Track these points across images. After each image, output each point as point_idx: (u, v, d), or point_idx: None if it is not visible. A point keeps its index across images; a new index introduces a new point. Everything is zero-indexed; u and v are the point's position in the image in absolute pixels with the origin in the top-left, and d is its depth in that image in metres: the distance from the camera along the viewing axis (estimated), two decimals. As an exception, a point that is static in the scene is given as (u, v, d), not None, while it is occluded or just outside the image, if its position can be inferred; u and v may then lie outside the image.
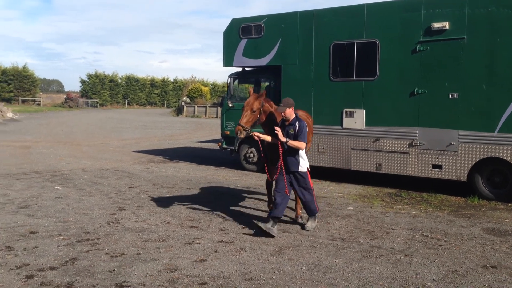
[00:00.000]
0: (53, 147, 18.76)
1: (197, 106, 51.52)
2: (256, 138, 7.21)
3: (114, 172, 12.89)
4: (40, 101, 63.68)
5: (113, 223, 7.61)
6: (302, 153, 7.16)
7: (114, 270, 5.50)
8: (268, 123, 7.49)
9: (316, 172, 12.57)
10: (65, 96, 69.83)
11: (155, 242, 6.59)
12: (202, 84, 69.69)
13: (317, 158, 11.88)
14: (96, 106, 67.92)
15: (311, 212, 7.38)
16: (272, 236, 6.84)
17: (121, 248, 6.33)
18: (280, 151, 7.11)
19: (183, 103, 54.77)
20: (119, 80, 75.36)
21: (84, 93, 71.17)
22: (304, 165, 7.18)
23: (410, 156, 10.52)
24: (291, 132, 7.09)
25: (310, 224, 7.40)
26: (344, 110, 11.35)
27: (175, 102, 76.12)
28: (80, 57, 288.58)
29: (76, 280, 5.17)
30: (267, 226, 6.88)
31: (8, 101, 59.40)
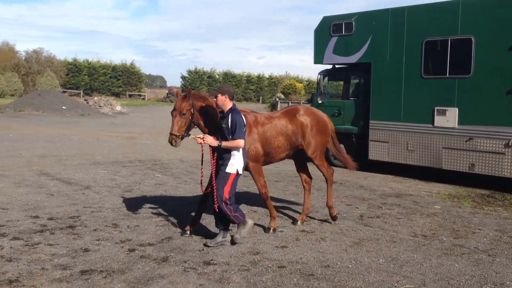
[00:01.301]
0: (155, 139, 20.18)
1: (291, 102, 52.07)
2: (199, 142, 6.13)
3: (207, 163, 13.67)
4: (145, 95, 67.96)
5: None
6: (237, 150, 6.09)
7: (203, 249, 6.07)
8: (207, 120, 6.52)
9: (404, 170, 12.47)
10: (167, 91, 73.90)
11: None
12: (296, 81, 70.19)
13: (406, 156, 11.78)
14: (195, 101, 70.90)
15: (232, 223, 6.29)
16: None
17: (209, 231, 6.90)
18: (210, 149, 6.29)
19: (277, 99, 55.63)
20: (217, 76, 78.14)
21: (184, 88, 74.71)
22: (234, 165, 6.07)
23: (506, 156, 10.11)
24: (224, 126, 6.11)
25: (238, 235, 6.24)
26: (436, 108, 11.15)
27: (269, 98, 77.36)
28: (181, 53, 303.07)
29: (170, 255, 5.80)
30: (236, 237, 6.22)
31: (117, 95, 64.18)
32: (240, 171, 6.16)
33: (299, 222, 7.41)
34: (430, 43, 11.24)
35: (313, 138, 7.32)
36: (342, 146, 13.32)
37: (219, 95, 6.13)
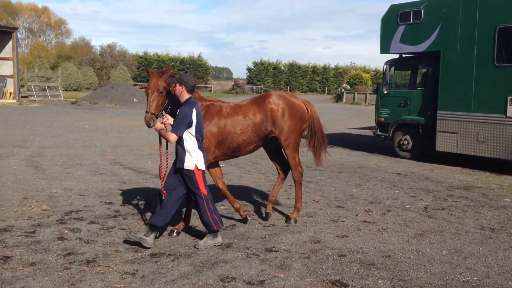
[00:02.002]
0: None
1: (357, 93, 51.26)
2: (164, 121, 5.83)
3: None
4: (211, 87, 69.34)
5: (267, 198, 8.43)
6: (190, 145, 5.68)
7: (265, 237, 6.25)
8: (175, 104, 6.02)
9: (474, 162, 12.03)
10: (233, 83, 75.00)
11: (302, 217, 7.21)
12: (363, 71, 68.88)
13: (476, 147, 11.36)
14: (260, 92, 71.54)
15: (207, 227, 5.86)
16: (146, 248, 5.65)
17: (272, 219, 7.07)
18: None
19: (343, 90, 54.92)
20: (282, 67, 78.20)
21: (250, 80, 75.46)
22: (191, 161, 5.68)
23: None
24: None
25: (202, 242, 5.80)
26: (509, 97, 10.65)
27: (335, 88, 76.46)
28: (247, 45, 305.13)
29: (234, 242, 6.02)
30: (137, 236, 5.68)
31: (184, 87, 65.83)
32: (201, 167, 5.71)
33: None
34: (504, 30, 10.72)
35: (285, 123, 6.66)
36: (407, 137, 13.19)
37: (177, 85, 5.74)
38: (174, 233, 6.25)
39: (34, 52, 64.34)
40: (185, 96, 5.74)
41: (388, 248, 5.87)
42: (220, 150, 6.43)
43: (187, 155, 5.68)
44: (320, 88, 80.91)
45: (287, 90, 76.53)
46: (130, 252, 5.57)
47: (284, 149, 6.89)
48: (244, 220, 6.83)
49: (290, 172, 7.22)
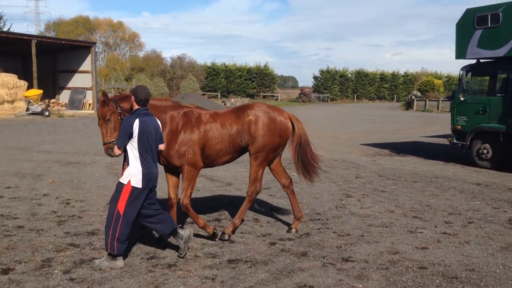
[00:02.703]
0: (289, 138, 20.65)
1: (429, 100, 49.61)
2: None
3: (342, 162, 13.73)
4: (277, 96, 69.68)
5: (340, 207, 8.35)
6: (131, 159, 5.34)
7: (341, 246, 6.19)
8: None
9: None
10: (299, 92, 75.00)
11: (378, 227, 7.07)
12: (434, 77, 66.62)
13: None
14: (327, 101, 71.03)
15: (106, 245, 5.37)
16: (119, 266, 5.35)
17: (347, 229, 7.00)
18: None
19: (413, 97, 53.35)
20: (349, 75, 77.23)
21: (316, 88, 75.12)
22: (126, 176, 5.34)
23: None
24: None
25: (98, 261, 5.36)
26: None
27: (405, 96, 74.45)
28: (313, 53, 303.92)
29: (309, 250, 6.02)
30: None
31: (251, 96, 66.80)
32: (135, 184, 5.27)
33: (293, 230, 6.78)
34: None
35: (261, 137, 6.28)
36: (486, 145, 12.58)
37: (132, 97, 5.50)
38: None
39: (110, 65, 67.66)
40: (135, 107, 5.46)
41: (471, 262, 5.63)
42: (202, 161, 6.18)
43: (126, 168, 5.38)
44: (388, 96, 79.10)
45: (354, 98, 75.47)
46: (208, 258, 5.71)
47: (251, 159, 6.43)
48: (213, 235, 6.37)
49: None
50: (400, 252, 5.96)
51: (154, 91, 57.35)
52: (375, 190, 9.86)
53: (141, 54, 76.03)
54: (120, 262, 5.35)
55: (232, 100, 44.72)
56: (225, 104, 41.99)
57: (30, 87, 31.45)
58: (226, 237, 6.40)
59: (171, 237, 5.74)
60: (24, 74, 35.11)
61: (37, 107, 30.47)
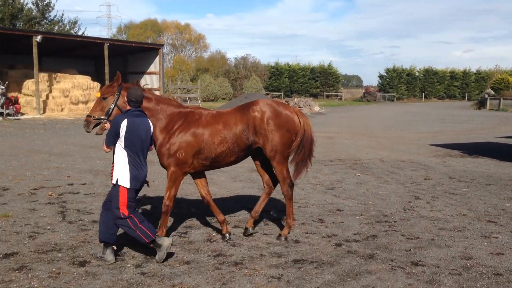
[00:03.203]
0: (353, 138, 20.36)
1: (503, 99, 47.09)
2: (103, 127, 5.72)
3: (410, 163, 13.33)
4: (341, 95, 68.77)
5: (408, 209, 8.11)
6: (119, 158, 5.36)
7: (410, 250, 6.01)
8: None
9: None
10: (363, 91, 73.62)
11: (449, 231, 6.81)
12: (509, 75, 63.13)
13: None
14: (393, 100, 69.23)
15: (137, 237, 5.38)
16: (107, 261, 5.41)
17: (416, 232, 6.78)
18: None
19: (486, 96, 50.87)
20: (417, 73, 74.88)
21: (381, 88, 73.42)
22: (114, 174, 5.35)
23: None
24: None
25: (158, 257, 5.44)
26: None
27: (477, 94, 71.19)
28: (378, 52, 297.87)
29: (376, 253, 5.89)
30: (98, 255, 5.56)
31: (315, 96, 66.34)
32: (122, 183, 5.29)
33: (250, 230, 6.56)
34: None
35: (270, 133, 6.12)
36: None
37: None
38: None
39: (176, 66, 69.48)
40: (126, 107, 5.57)
41: (553, 270, 5.29)
42: (198, 161, 6.08)
43: (114, 167, 5.39)
44: (459, 94, 75.94)
45: (422, 97, 73.08)
46: (274, 257, 5.73)
47: (271, 161, 6.34)
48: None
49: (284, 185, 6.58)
50: (473, 258, 5.70)
51: (218, 91, 58.42)
52: (445, 192, 9.49)
53: (206, 55, 77.61)
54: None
55: (296, 99, 44.52)
56: (288, 104, 41.91)
57: (102, 88, 32.88)
58: (283, 239, 6.39)
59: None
60: (97, 76, 36.82)
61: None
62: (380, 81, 74.50)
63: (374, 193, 9.45)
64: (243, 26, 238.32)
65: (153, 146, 5.73)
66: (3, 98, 24.62)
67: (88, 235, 6.46)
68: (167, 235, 6.43)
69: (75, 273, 5.11)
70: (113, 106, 5.76)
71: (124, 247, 5.95)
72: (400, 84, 72.28)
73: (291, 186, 6.50)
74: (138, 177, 5.36)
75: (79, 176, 10.71)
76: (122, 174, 5.30)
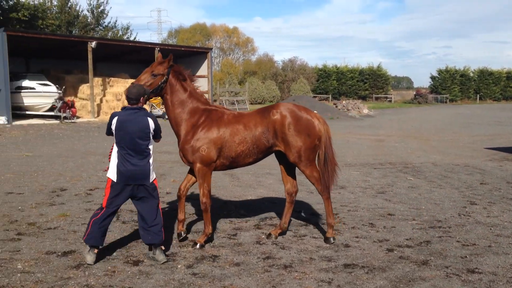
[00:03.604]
0: (404, 141, 19.90)
1: None
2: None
3: (465, 167, 12.89)
4: (391, 97, 67.42)
5: (464, 215, 7.84)
6: (114, 152, 5.55)
7: (466, 257, 5.80)
8: (168, 100, 6.15)
9: None
10: (414, 93, 71.82)
11: (508, 238, 6.53)
12: None
13: None
14: (446, 102, 67.21)
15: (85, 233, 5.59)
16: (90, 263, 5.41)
17: (472, 238, 6.54)
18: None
19: (545, 97, 48.52)
20: (471, 74, 72.38)
21: (433, 89, 71.44)
22: (109, 169, 5.57)
23: None
24: None
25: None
26: None
27: (536, 95, 68.03)
28: (429, 52, 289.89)
29: (430, 259, 5.73)
30: (148, 255, 5.68)
31: (363, 98, 65.39)
32: (109, 175, 5.50)
33: (273, 237, 6.49)
34: None
35: (292, 138, 6.08)
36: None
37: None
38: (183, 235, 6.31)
39: (224, 69, 70.29)
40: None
41: None
42: (220, 159, 6.11)
43: (111, 161, 5.57)
44: (517, 95, 72.80)
45: (476, 98, 70.59)
46: (324, 261, 5.68)
47: (297, 166, 6.31)
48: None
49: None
50: (534, 267, 5.44)
51: (266, 93, 58.64)
52: (503, 198, 9.12)
53: (253, 58, 78.09)
54: (88, 257, 5.41)
55: (344, 102, 44.05)
56: (336, 106, 41.52)
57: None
58: (332, 240, 6.35)
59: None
60: (148, 80, 37.76)
61: (159, 111, 32.57)
62: (432, 82, 72.52)
63: (427, 197, 9.20)
64: (290, 29, 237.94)
65: (159, 139, 5.75)
66: (61, 102, 25.71)
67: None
68: (216, 237, 6.52)
69: (129, 272, 5.25)
70: (159, 85, 5.97)
71: (176, 248, 6.06)
72: (453, 85, 70.07)
73: (327, 186, 6.39)
74: (123, 173, 5.42)
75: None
76: (111, 167, 5.52)
